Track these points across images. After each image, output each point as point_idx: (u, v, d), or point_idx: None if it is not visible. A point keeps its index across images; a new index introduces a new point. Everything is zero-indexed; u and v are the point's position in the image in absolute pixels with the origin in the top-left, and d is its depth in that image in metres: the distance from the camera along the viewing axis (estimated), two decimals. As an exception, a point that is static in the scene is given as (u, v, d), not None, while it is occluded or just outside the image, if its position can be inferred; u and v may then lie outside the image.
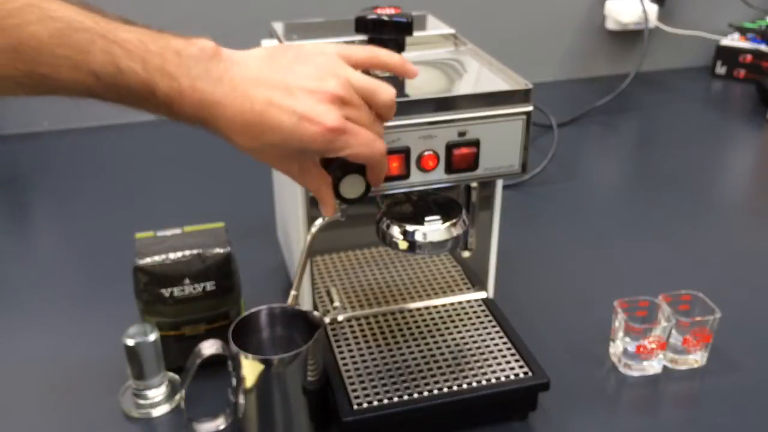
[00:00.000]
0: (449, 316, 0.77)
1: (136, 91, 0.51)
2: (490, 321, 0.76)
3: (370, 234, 0.69)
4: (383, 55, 0.60)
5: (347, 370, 0.69)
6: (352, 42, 0.75)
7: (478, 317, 0.77)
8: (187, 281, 0.71)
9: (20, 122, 1.32)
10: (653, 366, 0.76)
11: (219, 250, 0.72)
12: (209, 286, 0.72)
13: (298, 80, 0.53)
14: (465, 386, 0.67)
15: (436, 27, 0.83)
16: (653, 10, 1.51)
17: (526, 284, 0.90)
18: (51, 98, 0.52)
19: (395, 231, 0.66)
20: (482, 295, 0.80)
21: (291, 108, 0.52)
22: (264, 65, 0.55)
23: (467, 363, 0.70)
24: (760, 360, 0.78)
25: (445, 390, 0.67)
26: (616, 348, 0.77)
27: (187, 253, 0.71)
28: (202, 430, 0.66)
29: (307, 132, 0.52)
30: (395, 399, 0.66)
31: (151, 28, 0.53)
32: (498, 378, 0.68)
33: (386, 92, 0.56)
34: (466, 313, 0.78)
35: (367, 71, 0.65)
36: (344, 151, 0.54)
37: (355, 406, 0.65)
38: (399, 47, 0.70)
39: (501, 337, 0.74)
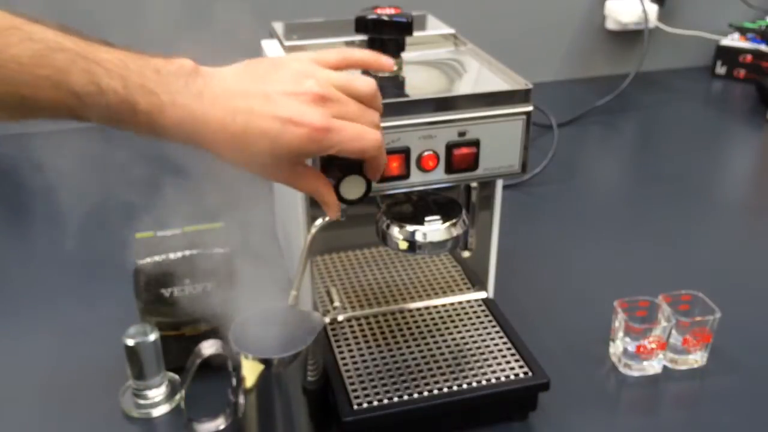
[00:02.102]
0: (449, 316, 0.77)
1: (117, 110, 0.51)
2: (490, 321, 0.76)
3: (370, 234, 0.69)
4: (356, 53, 0.60)
5: (347, 370, 0.69)
6: (353, 42, 0.75)
7: (478, 317, 0.77)
8: (187, 281, 0.71)
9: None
10: (653, 366, 0.76)
11: (219, 250, 0.72)
12: (209, 286, 0.72)
13: (276, 86, 0.53)
14: (465, 386, 0.67)
15: (436, 27, 0.83)
16: (653, 10, 1.51)
17: (526, 284, 0.90)
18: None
19: (395, 231, 0.66)
20: (482, 295, 0.80)
21: (273, 114, 0.52)
22: (241, 77, 0.55)
23: (467, 363, 0.70)
24: (760, 360, 0.78)
25: (445, 390, 0.67)
26: (616, 348, 0.77)
27: (187, 253, 0.71)
28: (202, 430, 0.66)
29: (294, 135, 0.52)
30: (395, 399, 0.66)
31: (130, 49, 0.53)
32: (498, 378, 0.68)
33: (363, 82, 0.56)
34: (466, 313, 0.78)
35: (367, 72, 0.66)
36: (334, 149, 0.54)
37: (355, 406, 0.65)
38: (399, 47, 0.70)
39: (501, 337, 0.74)
